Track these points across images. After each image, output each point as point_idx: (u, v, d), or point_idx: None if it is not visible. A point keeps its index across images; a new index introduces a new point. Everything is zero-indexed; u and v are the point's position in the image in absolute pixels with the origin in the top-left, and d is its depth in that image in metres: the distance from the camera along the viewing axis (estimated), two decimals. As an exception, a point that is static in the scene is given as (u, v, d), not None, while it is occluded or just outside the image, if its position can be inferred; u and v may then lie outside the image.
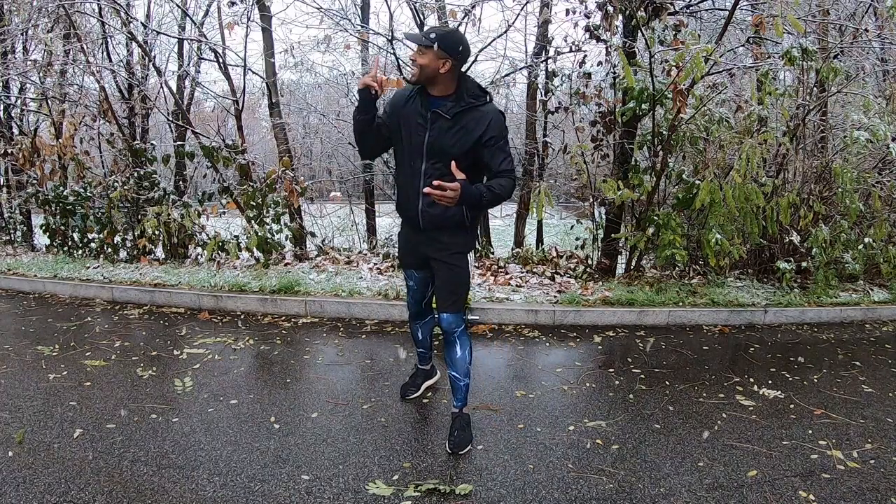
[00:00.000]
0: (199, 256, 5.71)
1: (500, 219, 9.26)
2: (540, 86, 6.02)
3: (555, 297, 4.45)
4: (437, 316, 2.37)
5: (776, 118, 4.60)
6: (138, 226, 5.58)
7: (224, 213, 5.77)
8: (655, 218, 4.38)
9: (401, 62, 5.28)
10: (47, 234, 6.20)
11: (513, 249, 6.19)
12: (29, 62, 6.91)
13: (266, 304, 4.46)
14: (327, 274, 4.99)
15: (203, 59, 8.56)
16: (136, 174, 5.81)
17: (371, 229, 6.57)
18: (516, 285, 4.76)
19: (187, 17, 7.37)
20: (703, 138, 4.53)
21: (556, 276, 5.00)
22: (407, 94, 2.24)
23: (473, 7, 5.08)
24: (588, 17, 4.66)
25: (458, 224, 2.26)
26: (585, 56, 4.99)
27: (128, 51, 7.66)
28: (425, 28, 2.17)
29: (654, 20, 4.30)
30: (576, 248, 5.49)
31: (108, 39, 6.65)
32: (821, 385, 3.06)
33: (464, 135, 2.11)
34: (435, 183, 2.01)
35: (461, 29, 5.48)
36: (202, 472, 2.11)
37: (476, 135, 2.11)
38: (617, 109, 4.72)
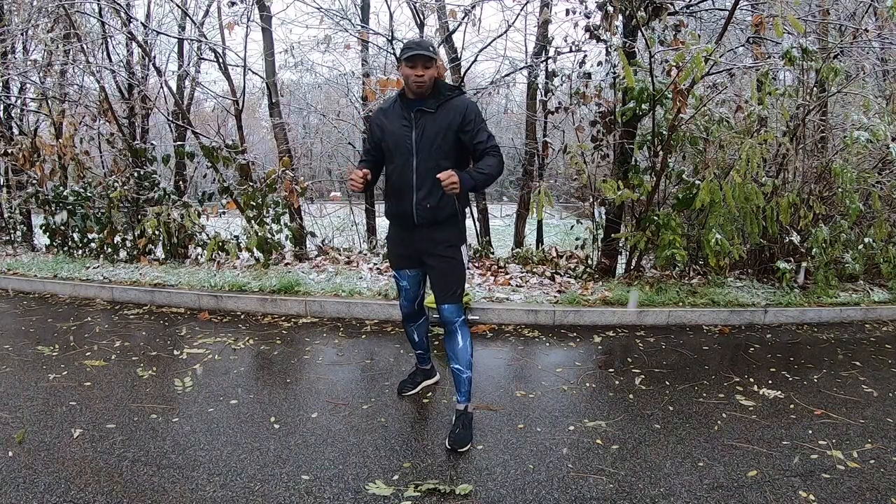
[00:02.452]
0: (199, 256, 5.71)
1: (500, 219, 9.24)
2: (540, 86, 6.02)
3: (555, 297, 4.45)
4: (437, 307, 2.43)
5: (776, 118, 4.60)
6: (138, 226, 5.59)
7: (224, 213, 5.77)
8: (655, 218, 4.38)
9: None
10: (47, 234, 6.20)
11: (513, 249, 6.19)
12: (29, 62, 6.91)
13: (266, 304, 4.46)
14: (327, 274, 4.99)
15: (203, 59, 8.55)
16: (136, 174, 5.82)
17: (371, 229, 6.57)
18: (516, 285, 4.76)
19: (187, 17, 7.36)
20: (703, 138, 4.53)
21: (556, 276, 5.00)
22: (385, 108, 2.43)
23: (473, 7, 5.08)
24: (588, 17, 4.67)
25: (451, 216, 2.37)
26: (585, 56, 5.00)
27: (128, 51, 7.64)
28: (423, 36, 2.29)
29: (654, 20, 4.31)
30: (576, 248, 5.49)
31: (108, 39, 6.63)
32: (821, 385, 3.06)
33: (447, 124, 2.30)
34: (444, 174, 2.13)
35: (461, 29, 5.49)
36: (202, 472, 2.11)
37: (457, 122, 2.29)
38: (617, 109, 4.72)
